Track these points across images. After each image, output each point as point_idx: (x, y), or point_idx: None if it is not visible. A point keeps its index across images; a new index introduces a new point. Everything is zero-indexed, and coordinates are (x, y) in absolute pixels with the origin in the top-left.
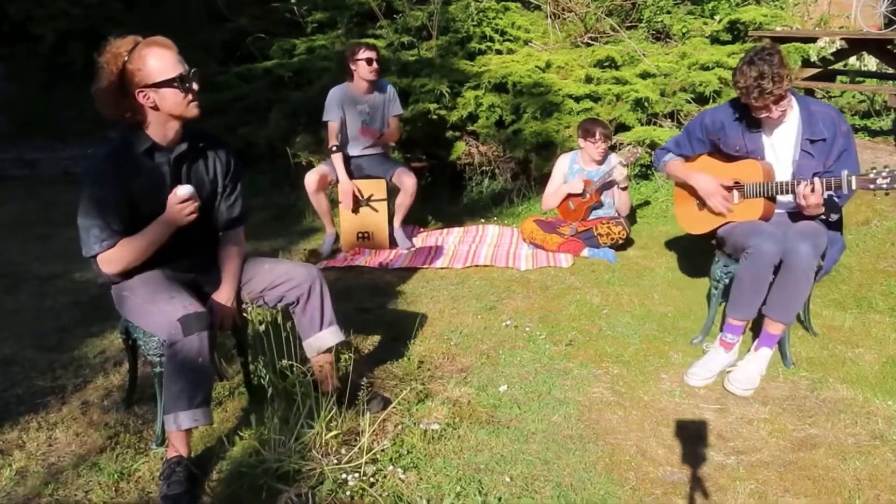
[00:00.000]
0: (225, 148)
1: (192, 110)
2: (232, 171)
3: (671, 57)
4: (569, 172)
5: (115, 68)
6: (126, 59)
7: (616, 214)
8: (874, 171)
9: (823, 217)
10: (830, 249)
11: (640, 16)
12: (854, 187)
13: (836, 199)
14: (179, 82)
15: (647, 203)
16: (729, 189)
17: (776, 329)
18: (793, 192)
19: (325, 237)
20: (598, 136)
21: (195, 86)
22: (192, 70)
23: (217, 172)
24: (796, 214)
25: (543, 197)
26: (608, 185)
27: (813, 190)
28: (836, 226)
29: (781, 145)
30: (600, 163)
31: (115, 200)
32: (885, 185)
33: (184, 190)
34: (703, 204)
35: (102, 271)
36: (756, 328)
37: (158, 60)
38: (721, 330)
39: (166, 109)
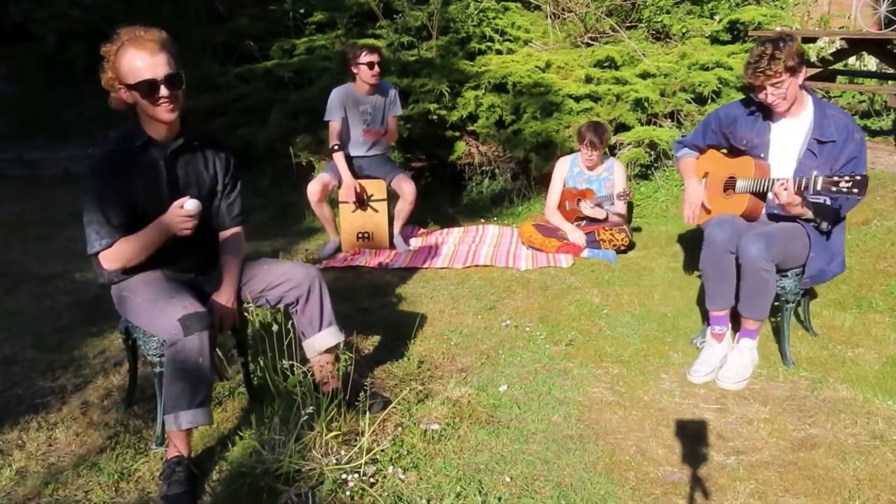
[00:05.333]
0: (225, 148)
1: (164, 114)
2: (232, 171)
3: (671, 57)
4: (569, 175)
5: (110, 60)
6: (115, 55)
7: (619, 221)
8: (841, 175)
9: (815, 225)
10: (828, 263)
11: (640, 16)
12: (819, 187)
13: (828, 202)
14: (145, 89)
15: (646, 203)
16: (725, 189)
17: (751, 325)
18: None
19: (327, 243)
20: (585, 143)
21: (164, 91)
22: (170, 74)
23: (217, 171)
24: (780, 217)
25: (546, 209)
26: (606, 197)
27: (786, 188)
28: (836, 242)
29: (789, 142)
30: (592, 168)
31: (113, 195)
32: (844, 189)
33: (191, 204)
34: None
35: (104, 268)
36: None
37: (130, 63)
38: (709, 324)
39: (142, 109)
